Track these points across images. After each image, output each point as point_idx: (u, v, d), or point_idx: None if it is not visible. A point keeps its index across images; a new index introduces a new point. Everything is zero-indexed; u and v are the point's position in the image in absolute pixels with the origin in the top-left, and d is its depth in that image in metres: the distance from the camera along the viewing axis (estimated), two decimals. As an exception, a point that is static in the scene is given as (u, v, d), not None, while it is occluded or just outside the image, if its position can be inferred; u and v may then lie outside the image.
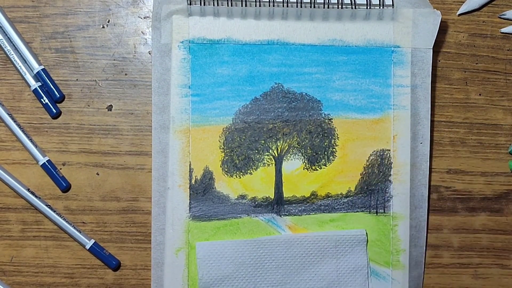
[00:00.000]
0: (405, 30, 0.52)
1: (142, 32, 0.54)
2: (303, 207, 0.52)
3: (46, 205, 0.52)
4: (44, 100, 0.52)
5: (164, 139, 0.51)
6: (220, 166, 0.52)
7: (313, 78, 0.52)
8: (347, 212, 0.52)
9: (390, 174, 0.52)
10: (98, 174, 0.53)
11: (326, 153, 0.52)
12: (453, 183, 0.55)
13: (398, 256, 0.52)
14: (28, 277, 0.53)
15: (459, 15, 0.55)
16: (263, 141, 0.52)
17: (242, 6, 0.51)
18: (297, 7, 0.51)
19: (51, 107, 0.52)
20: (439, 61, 0.55)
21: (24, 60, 0.52)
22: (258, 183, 0.52)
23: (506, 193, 0.55)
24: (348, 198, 0.52)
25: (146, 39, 0.53)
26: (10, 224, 0.53)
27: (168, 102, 0.51)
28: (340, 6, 0.51)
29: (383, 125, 0.52)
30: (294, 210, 0.52)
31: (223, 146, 0.52)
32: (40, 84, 0.52)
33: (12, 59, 0.52)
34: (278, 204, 0.52)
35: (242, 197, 0.52)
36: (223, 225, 0.52)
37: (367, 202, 0.52)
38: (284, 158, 0.52)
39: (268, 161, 0.52)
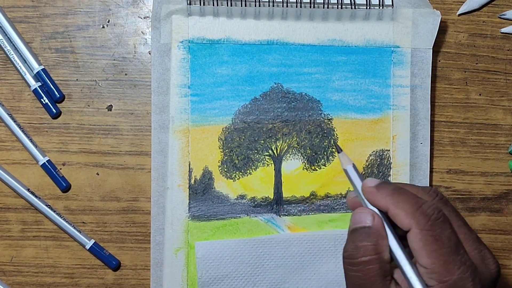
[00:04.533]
0: (404, 30, 0.52)
1: (142, 32, 0.54)
2: (303, 207, 0.52)
3: (46, 205, 0.52)
4: (44, 100, 0.52)
5: (163, 139, 0.51)
6: (220, 166, 0.52)
7: (312, 78, 0.52)
8: (346, 212, 0.52)
9: (390, 174, 0.52)
10: (98, 174, 0.53)
11: (325, 153, 0.52)
12: (453, 183, 0.55)
13: (397, 256, 0.52)
14: (28, 277, 0.53)
15: (459, 15, 0.55)
16: (262, 141, 0.52)
17: (241, 6, 0.51)
18: (296, 7, 0.51)
19: (51, 107, 0.52)
20: (439, 61, 0.55)
21: (24, 60, 0.52)
22: (258, 183, 0.52)
23: (506, 193, 0.55)
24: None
25: (146, 39, 0.54)
26: (10, 224, 0.53)
27: (167, 102, 0.51)
28: (339, 6, 0.51)
29: (382, 125, 0.52)
30: (293, 210, 0.52)
31: (222, 146, 0.52)
32: (40, 84, 0.52)
33: (12, 59, 0.52)
34: (277, 204, 0.52)
35: (242, 197, 0.52)
36: (222, 225, 0.52)
37: (366, 202, 0.52)
38: (284, 158, 0.52)
39: (267, 161, 0.52)
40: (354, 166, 0.41)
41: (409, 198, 0.39)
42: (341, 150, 0.42)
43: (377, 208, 0.39)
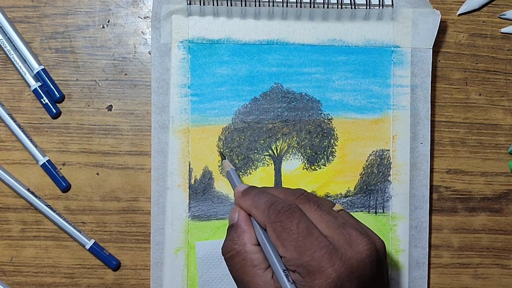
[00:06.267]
0: (404, 30, 0.52)
1: (142, 32, 0.54)
2: (303, 207, 0.52)
3: (46, 205, 0.52)
4: (44, 100, 0.52)
5: (163, 139, 0.51)
6: (220, 166, 0.52)
7: (312, 78, 0.52)
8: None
9: (389, 174, 0.52)
10: (98, 174, 0.53)
11: (325, 153, 0.52)
12: (453, 183, 0.55)
13: (397, 256, 0.52)
14: (28, 277, 0.53)
15: (459, 15, 0.55)
16: (262, 141, 0.52)
17: (241, 6, 0.51)
18: (296, 7, 0.51)
19: (51, 107, 0.52)
20: (439, 61, 0.55)
21: (24, 60, 0.52)
22: (258, 183, 0.52)
23: (506, 193, 0.55)
24: (347, 198, 0.52)
25: (146, 39, 0.54)
26: (10, 224, 0.53)
27: (167, 102, 0.51)
28: (339, 6, 0.51)
29: (382, 125, 0.52)
30: (293, 210, 0.52)
31: (222, 146, 0.52)
32: (40, 84, 0.52)
33: (12, 59, 0.52)
34: (277, 204, 0.52)
35: (242, 197, 0.52)
36: (222, 225, 0.52)
37: (366, 202, 0.52)
38: (284, 158, 0.52)
39: (267, 161, 0.52)
40: (234, 170, 0.48)
41: (266, 199, 0.42)
42: (225, 158, 0.50)
43: (243, 211, 0.44)
